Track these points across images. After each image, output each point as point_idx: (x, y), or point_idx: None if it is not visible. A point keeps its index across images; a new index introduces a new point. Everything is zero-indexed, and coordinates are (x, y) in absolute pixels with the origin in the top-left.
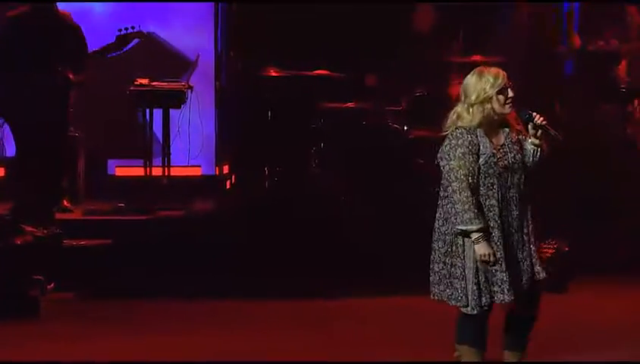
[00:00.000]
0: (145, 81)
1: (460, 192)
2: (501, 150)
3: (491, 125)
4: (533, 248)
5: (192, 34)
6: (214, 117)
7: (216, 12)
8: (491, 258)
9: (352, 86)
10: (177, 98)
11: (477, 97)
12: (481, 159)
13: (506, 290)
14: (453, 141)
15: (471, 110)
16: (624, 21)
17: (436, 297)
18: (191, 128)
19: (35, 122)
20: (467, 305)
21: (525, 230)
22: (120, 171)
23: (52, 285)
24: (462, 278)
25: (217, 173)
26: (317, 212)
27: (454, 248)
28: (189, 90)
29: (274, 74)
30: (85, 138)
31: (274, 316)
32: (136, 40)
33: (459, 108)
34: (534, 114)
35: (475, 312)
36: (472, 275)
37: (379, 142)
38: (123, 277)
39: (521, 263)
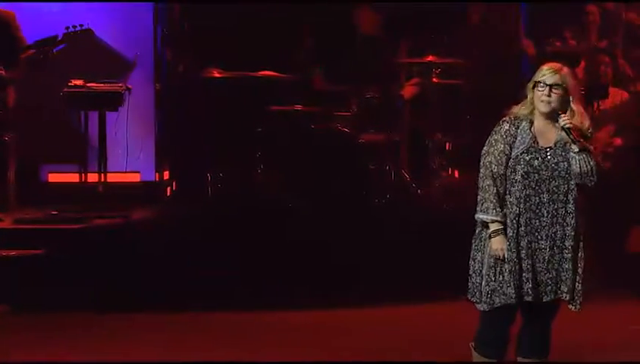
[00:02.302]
0: (80, 82)
1: (483, 180)
2: (542, 151)
3: (542, 121)
4: (567, 265)
5: (130, 33)
6: (153, 121)
7: (155, 11)
8: (501, 255)
9: (299, 88)
10: (113, 100)
11: (527, 87)
12: (514, 152)
13: (508, 293)
14: (495, 128)
15: (525, 100)
16: (583, 20)
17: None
18: (129, 132)
19: None
20: (479, 302)
21: (560, 244)
22: (53, 177)
23: None
24: (479, 274)
25: (157, 179)
26: (262, 219)
27: (477, 242)
28: (127, 92)
29: (216, 75)
30: (15, 142)
31: (218, 328)
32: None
33: None
34: (562, 115)
35: (487, 308)
36: (486, 270)
37: (328, 146)
38: (57, 289)
39: (542, 274)
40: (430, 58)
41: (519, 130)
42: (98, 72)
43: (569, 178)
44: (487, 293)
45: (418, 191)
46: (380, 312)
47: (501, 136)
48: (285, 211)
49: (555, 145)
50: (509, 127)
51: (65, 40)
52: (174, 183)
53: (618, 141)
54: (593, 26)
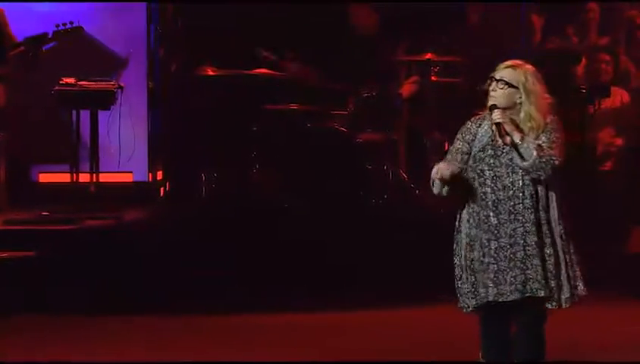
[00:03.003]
0: (71, 80)
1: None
2: (499, 148)
3: (512, 119)
4: (534, 262)
5: (123, 31)
6: (146, 120)
7: (149, 8)
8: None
9: (295, 87)
10: (106, 99)
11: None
12: (473, 150)
13: (468, 295)
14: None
15: None
16: (583, 18)
17: None
18: (121, 131)
19: None
20: (460, 304)
21: (521, 240)
22: (44, 177)
23: None
24: (459, 278)
25: (150, 179)
26: (257, 220)
27: (454, 246)
28: (120, 90)
29: (211, 73)
30: (5, 141)
31: (213, 329)
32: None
33: None
34: (496, 110)
35: (469, 310)
36: (461, 272)
37: (324, 146)
38: (48, 292)
39: (505, 272)
40: (428, 56)
41: (479, 128)
42: (90, 70)
43: (523, 173)
44: (458, 297)
45: (417, 191)
46: (377, 314)
47: (461, 134)
48: (281, 211)
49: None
50: (471, 125)
51: (55, 38)
52: (167, 184)
53: (619, 141)
54: (592, 24)
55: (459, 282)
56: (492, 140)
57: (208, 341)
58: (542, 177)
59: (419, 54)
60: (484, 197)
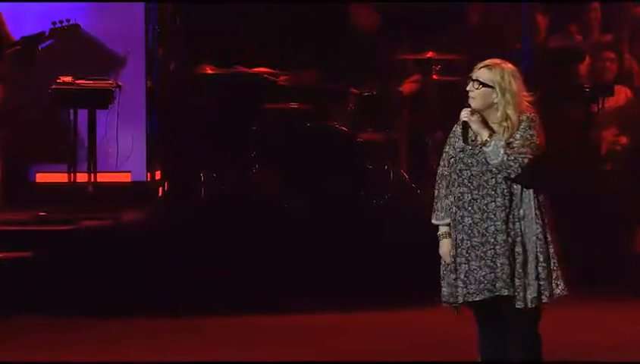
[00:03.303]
0: (68, 79)
1: (436, 183)
2: (476, 148)
3: (483, 118)
4: (502, 261)
5: (121, 29)
6: (145, 119)
7: (147, 7)
8: (447, 259)
9: (295, 85)
10: (104, 98)
11: None
12: (454, 151)
13: (444, 293)
14: None
15: None
16: (585, 16)
17: None
18: (119, 130)
19: None
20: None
21: (491, 239)
22: (41, 177)
23: None
24: (443, 278)
25: (148, 179)
26: (257, 220)
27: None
28: (118, 89)
29: (209, 72)
30: (2, 141)
31: (212, 330)
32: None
33: None
34: (465, 110)
35: (455, 307)
36: (443, 271)
37: (324, 145)
38: (45, 293)
39: (476, 272)
40: (430, 55)
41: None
42: (88, 68)
43: (496, 172)
44: (443, 293)
45: (418, 191)
46: (378, 315)
47: (449, 137)
48: (281, 211)
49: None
50: (456, 127)
51: (52, 35)
52: (166, 184)
53: (623, 140)
54: (595, 22)
55: (442, 281)
56: (471, 141)
57: (208, 342)
58: (512, 176)
59: (420, 52)
60: (461, 197)
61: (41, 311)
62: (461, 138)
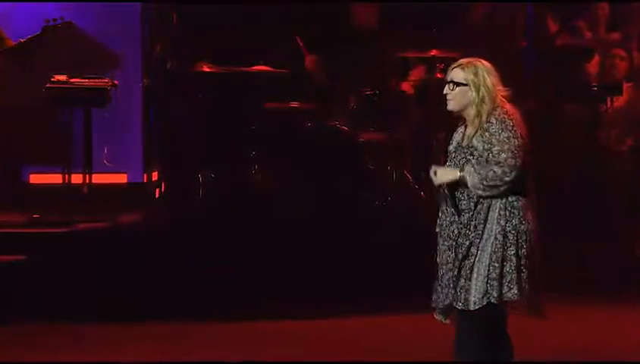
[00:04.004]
0: (63, 77)
1: None
2: (460, 149)
3: (465, 120)
4: (464, 272)
5: (117, 27)
6: (141, 118)
7: (144, 7)
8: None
9: (296, 84)
10: (99, 97)
11: None
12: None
13: (433, 299)
14: None
15: None
16: (593, 13)
17: None
18: (116, 130)
19: None
20: None
21: (456, 241)
22: (35, 178)
23: None
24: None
25: (145, 180)
26: (255, 224)
27: None
28: (113, 88)
29: (208, 70)
30: None
31: (211, 338)
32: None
33: None
34: (431, 173)
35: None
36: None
37: (326, 146)
38: (39, 297)
39: (444, 276)
40: (433, 53)
41: (455, 133)
42: (83, 67)
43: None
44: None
45: (422, 193)
46: (381, 319)
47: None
48: (281, 213)
49: (464, 145)
50: (454, 134)
51: (45, 34)
52: (162, 185)
53: (631, 140)
54: (603, 20)
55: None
56: (459, 143)
57: (205, 345)
58: (503, 188)
59: (424, 51)
60: (444, 200)
61: (35, 315)
62: (455, 140)
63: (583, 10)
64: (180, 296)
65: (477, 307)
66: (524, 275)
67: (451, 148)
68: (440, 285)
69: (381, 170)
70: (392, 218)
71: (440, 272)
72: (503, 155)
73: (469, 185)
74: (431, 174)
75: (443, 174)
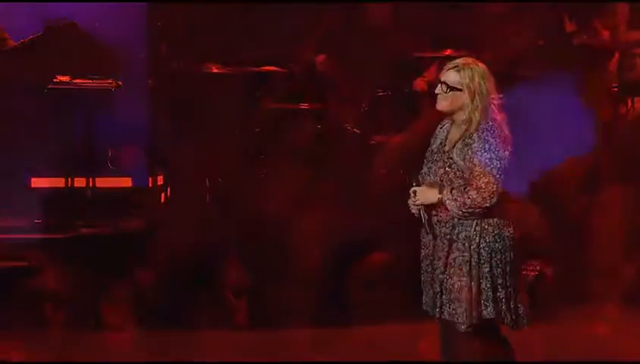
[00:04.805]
0: (66, 78)
1: None
2: (436, 154)
3: (454, 122)
4: (446, 283)
5: (122, 26)
6: (146, 120)
7: (149, 6)
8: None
9: (305, 85)
10: (103, 98)
11: None
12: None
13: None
14: None
15: None
16: (615, 12)
17: None
18: (120, 132)
19: None
20: None
21: (433, 253)
22: (36, 182)
23: None
24: None
25: (150, 184)
26: (265, 229)
27: None
28: (118, 88)
29: (215, 71)
30: None
31: (214, 348)
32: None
33: None
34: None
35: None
36: None
37: (336, 148)
38: (40, 305)
39: (425, 283)
40: (448, 52)
41: (437, 132)
42: (86, 67)
43: (443, 185)
44: None
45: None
46: (387, 328)
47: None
48: (290, 217)
49: (445, 150)
50: (437, 129)
51: (48, 34)
52: (168, 189)
53: None
54: (623, 18)
55: None
56: (441, 144)
57: (211, 354)
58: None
59: (438, 50)
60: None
61: (36, 323)
62: (436, 143)
63: (602, 8)
64: (184, 303)
65: (465, 329)
66: (500, 294)
67: (434, 147)
68: (424, 289)
69: (393, 173)
70: (406, 222)
71: (422, 279)
72: (485, 179)
73: (448, 208)
74: (411, 194)
75: (422, 195)
